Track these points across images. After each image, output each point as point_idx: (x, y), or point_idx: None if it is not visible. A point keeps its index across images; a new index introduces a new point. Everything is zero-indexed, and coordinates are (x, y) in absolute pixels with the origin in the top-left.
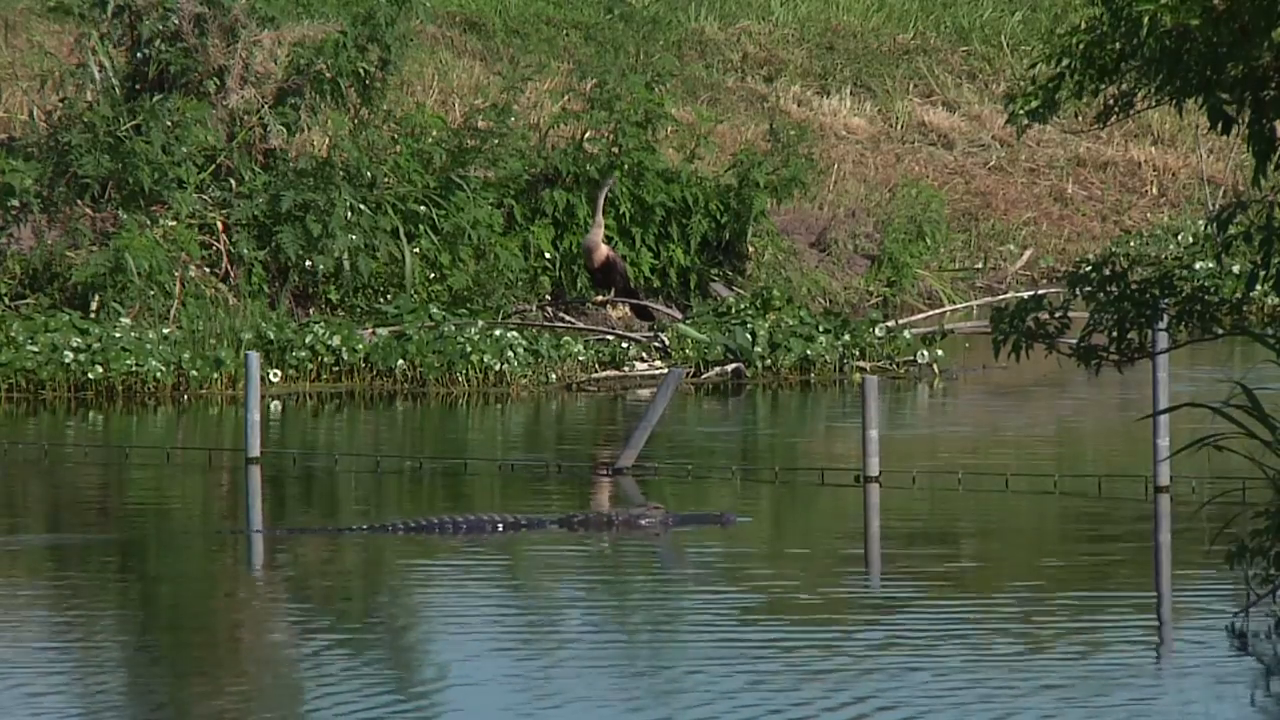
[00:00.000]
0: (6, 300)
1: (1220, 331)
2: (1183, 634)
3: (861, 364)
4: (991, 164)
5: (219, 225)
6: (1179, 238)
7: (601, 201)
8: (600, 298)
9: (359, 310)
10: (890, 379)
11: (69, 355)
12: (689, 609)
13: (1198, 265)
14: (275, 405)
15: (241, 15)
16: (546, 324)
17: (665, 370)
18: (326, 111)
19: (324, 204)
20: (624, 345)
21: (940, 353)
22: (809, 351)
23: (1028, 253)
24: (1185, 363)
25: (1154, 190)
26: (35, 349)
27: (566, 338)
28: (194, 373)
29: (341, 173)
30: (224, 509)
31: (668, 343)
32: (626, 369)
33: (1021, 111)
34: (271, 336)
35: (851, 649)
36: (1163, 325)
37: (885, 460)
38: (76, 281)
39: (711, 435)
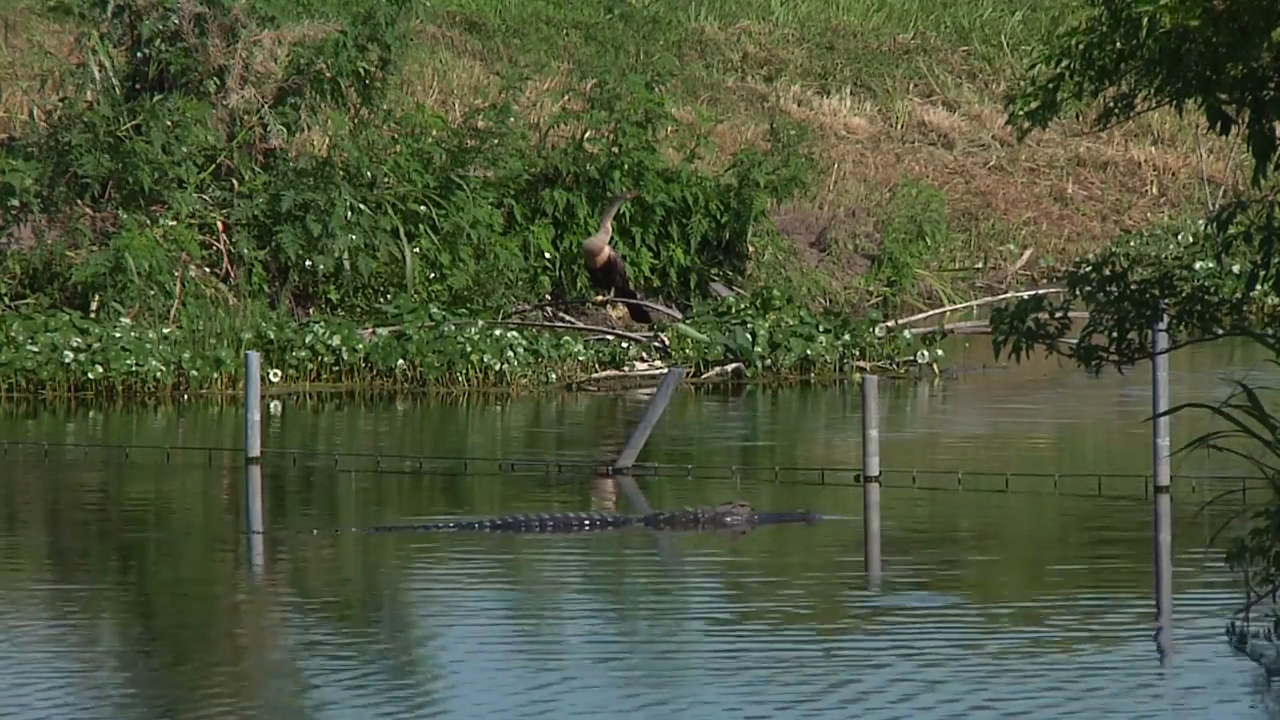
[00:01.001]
0: (6, 300)
1: (1220, 331)
2: (1183, 634)
3: (861, 364)
4: (991, 164)
5: (219, 225)
6: (1179, 238)
7: (613, 212)
8: (600, 298)
9: (359, 310)
10: (890, 379)
11: (69, 355)
12: (689, 609)
13: (1198, 265)
14: (275, 405)
15: (241, 15)
16: (546, 324)
17: (665, 370)
18: (326, 111)
19: (324, 204)
20: (624, 345)
21: (940, 353)
22: (809, 351)
23: (1028, 253)
24: (1185, 363)
25: (1154, 190)
26: (35, 349)
27: (566, 338)
28: (194, 373)
29: (341, 173)
30: (226, 509)
31: (668, 343)
32: (626, 369)
33: (1021, 113)
34: (271, 336)
35: (851, 649)
36: (1163, 325)
37: (885, 460)
38: (76, 281)
39: (711, 435)
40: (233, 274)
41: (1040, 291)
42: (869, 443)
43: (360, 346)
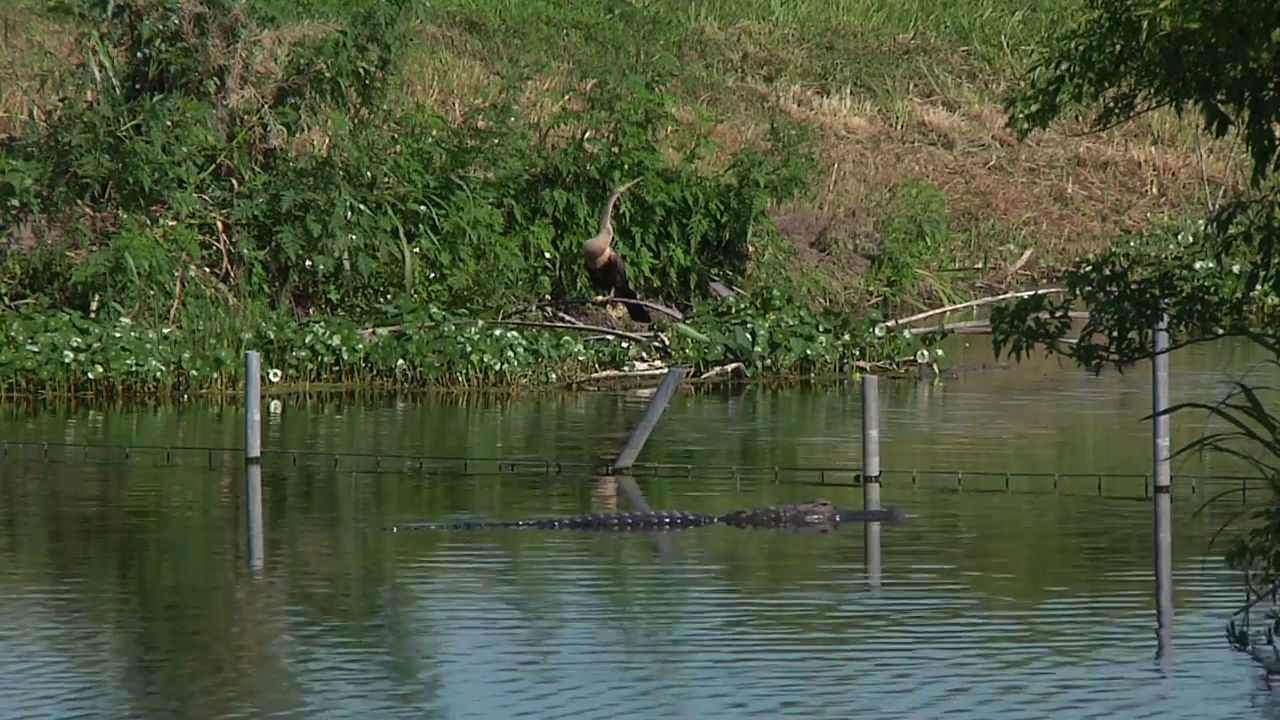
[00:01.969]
0: (6, 300)
1: (1220, 331)
2: (1183, 634)
3: (861, 364)
4: (991, 164)
5: (219, 225)
6: (1179, 238)
7: (611, 207)
8: (600, 298)
9: (359, 310)
10: (890, 379)
11: (69, 355)
12: (688, 609)
13: (1198, 265)
14: (275, 405)
15: (241, 15)
16: (546, 324)
17: (665, 370)
18: (326, 111)
19: (324, 204)
20: (624, 345)
21: (940, 353)
22: (809, 351)
23: (1028, 253)
24: (1185, 363)
25: (1154, 190)
26: (35, 349)
27: (566, 337)
28: (194, 372)
29: (341, 173)
30: (226, 509)
31: (668, 343)
32: (626, 369)
33: (1021, 115)
34: (271, 336)
35: (851, 648)
36: (1163, 325)
37: (885, 460)
38: (76, 281)
39: (711, 435)
40: (233, 274)
41: (1040, 291)
42: (869, 443)
43: (360, 346)
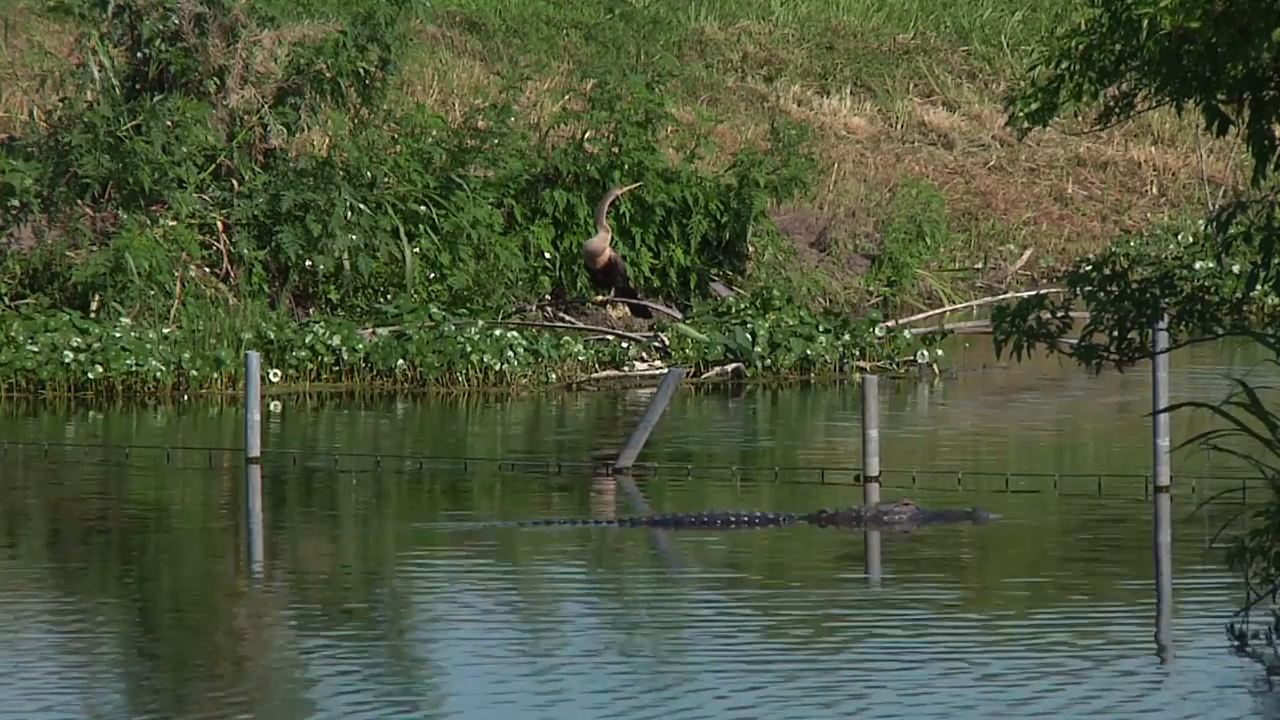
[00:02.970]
0: (6, 300)
1: (1220, 331)
2: (1183, 634)
3: (861, 364)
4: (991, 164)
5: (219, 225)
6: (1179, 238)
7: (606, 206)
8: (600, 297)
9: (359, 310)
10: (890, 379)
11: (69, 355)
12: (689, 609)
13: (1198, 265)
14: (275, 405)
15: (241, 15)
16: (546, 324)
17: (665, 370)
18: (326, 111)
19: (324, 204)
20: (624, 345)
21: (940, 353)
22: (809, 351)
23: (1028, 253)
24: (1185, 363)
25: (1154, 190)
26: (35, 349)
27: (566, 338)
28: (194, 373)
29: (341, 173)
30: (226, 509)
31: (668, 343)
32: (626, 369)
33: (1021, 114)
34: (271, 336)
35: (851, 648)
36: (1163, 325)
37: (885, 460)
38: (76, 281)
39: (711, 435)
40: (233, 274)
41: (1041, 291)
42: (869, 443)
43: (360, 346)
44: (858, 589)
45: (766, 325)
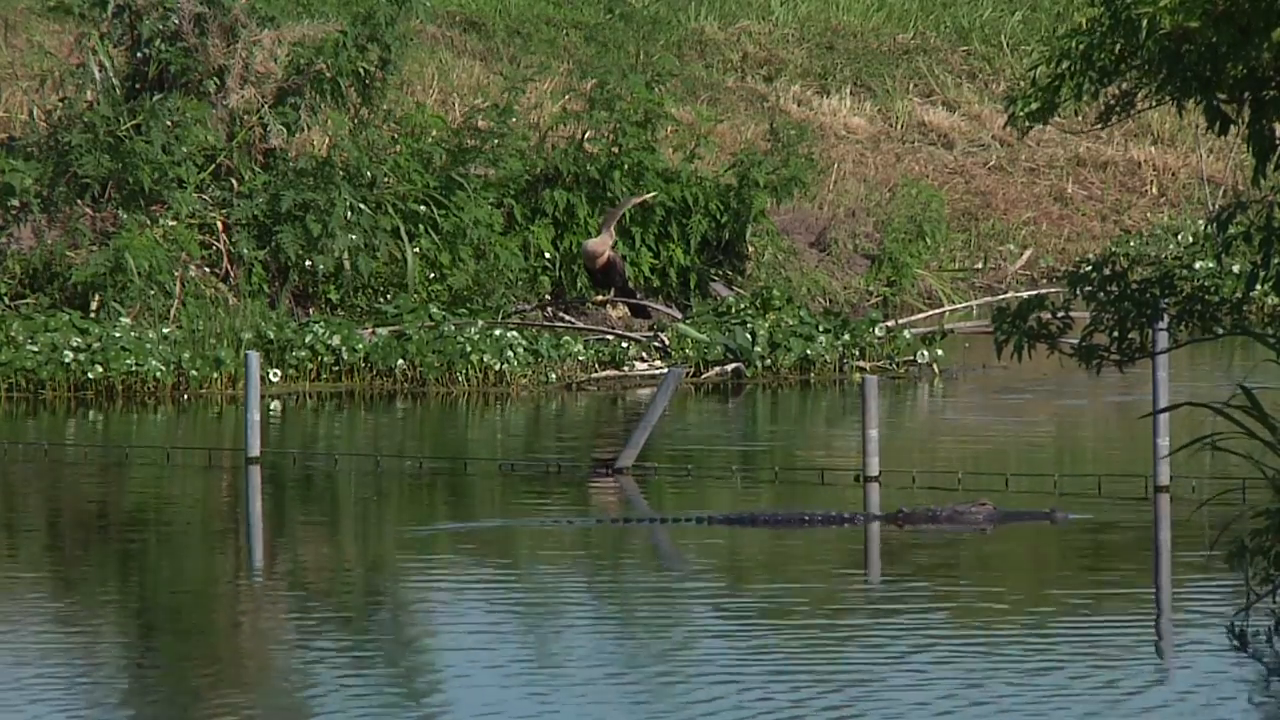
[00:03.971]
0: (6, 300)
1: (1220, 331)
2: (1183, 634)
3: (861, 364)
4: (991, 164)
5: (219, 225)
6: (1179, 238)
7: (617, 217)
8: (600, 297)
9: (359, 310)
10: (890, 379)
11: (69, 355)
12: (689, 608)
13: (1198, 265)
14: (275, 405)
15: (241, 15)
16: (546, 324)
17: (665, 370)
18: (326, 111)
19: (324, 204)
20: (624, 345)
21: (940, 353)
22: (809, 351)
23: (1028, 253)
24: (1185, 363)
25: (1154, 190)
26: (35, 349)
27: (566, 338)
28: (194, 372)
29: (341, 172)
30: (226, 508)
31: (668, 343)
32: (626, 369)
33: (1021, 113)
34: (271, 336)
35: (851, 647)
36: (1163, 325)
37: (885, 460)
38: (76, 281)
39: (711, 435)
40: (233, 274)
41: (1041, 291)
42: (869, 443)
43: (360, 346)
44: (858, 589)
45: (766, 325)
